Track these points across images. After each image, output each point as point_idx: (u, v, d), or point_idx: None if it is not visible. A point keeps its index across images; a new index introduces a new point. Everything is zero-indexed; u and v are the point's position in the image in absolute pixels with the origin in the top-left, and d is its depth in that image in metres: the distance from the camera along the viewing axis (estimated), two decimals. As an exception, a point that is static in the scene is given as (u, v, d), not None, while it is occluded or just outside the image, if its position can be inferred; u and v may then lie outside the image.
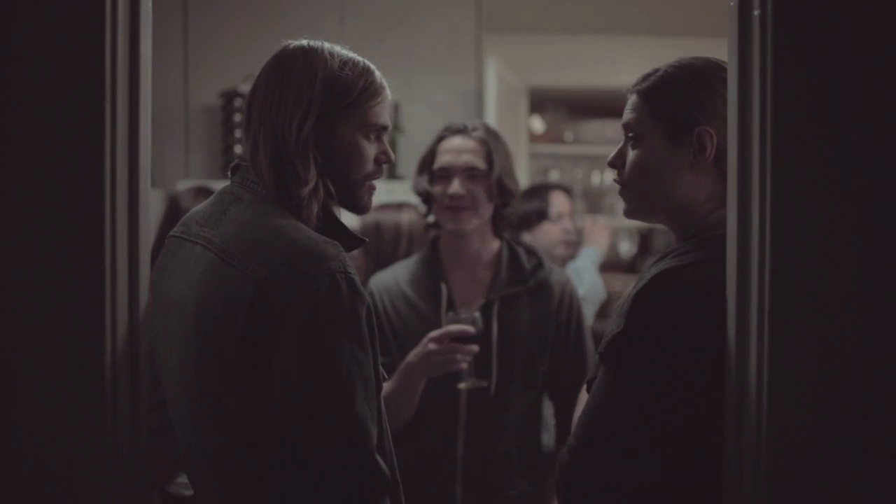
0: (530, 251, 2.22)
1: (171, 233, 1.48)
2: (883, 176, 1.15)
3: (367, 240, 1.47)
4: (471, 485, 2.08)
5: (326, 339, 1.27)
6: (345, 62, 1.42)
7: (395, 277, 2.20)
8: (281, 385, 1.28)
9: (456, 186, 2.08)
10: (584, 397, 1.49)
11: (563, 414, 2.18)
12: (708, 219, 1.38)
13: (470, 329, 1.94)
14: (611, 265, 4.95)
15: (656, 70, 1.41)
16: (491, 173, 2.09)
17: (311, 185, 1.38)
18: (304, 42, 1.44)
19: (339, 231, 1.43)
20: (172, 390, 1.43)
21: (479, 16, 3.82)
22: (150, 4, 1.33)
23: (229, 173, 1.47)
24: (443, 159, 2.12)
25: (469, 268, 2.18)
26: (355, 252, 2.73)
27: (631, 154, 1.41)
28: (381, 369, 1.41)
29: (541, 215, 3.19)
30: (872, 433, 1.15)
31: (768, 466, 1.15)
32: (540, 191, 3.30)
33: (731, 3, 1.22)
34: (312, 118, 1.38)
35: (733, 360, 1.21)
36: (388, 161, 1.49)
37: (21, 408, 1.22)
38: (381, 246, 2.65)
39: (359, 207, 1.48)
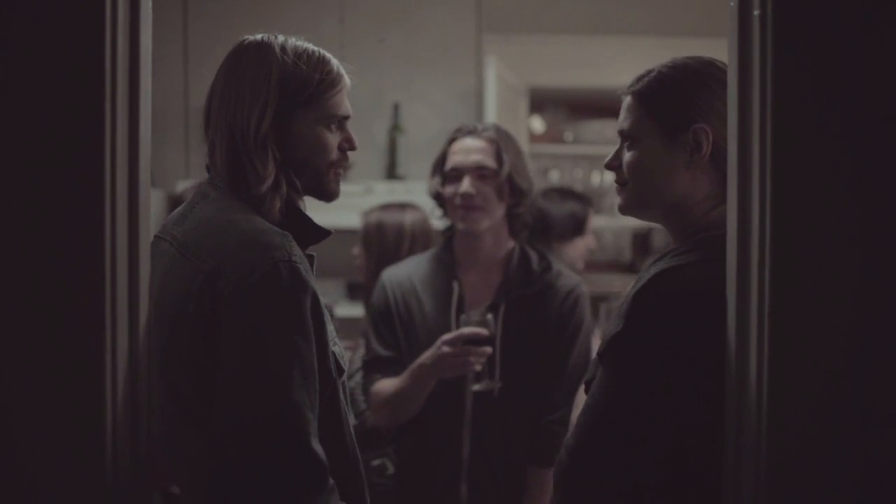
0: (542, 255, 2.23)
1: (156, 233, 1.49)
2: (883, 175, 1.15)
3: (332, 232, 1.47)
4: (476, 484, 2.09)
5: (263, 327, 1.28)
6: (299, 55, 1.41)
7: (408, 273, 2.21)
8: (222, 373, 1.29)
9: (466, 185, 2.09)
10: (581, 398, 1.49)
11: (538, 416, 2.14)
12: (706, 217, 1.38)
13: (483, 331, 1.95)
14: (611, 265, 4.96)
15: (650, 71, 1.41)
16: (501, 172, 2.10)
17: (269, 181, 1.38)
18: (259, 37, 1.44)
19: (304, 224, 1.43)
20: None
21: (479, 16, 3.82)
22: (150, 4, 1.33)
23: (206, 171, 1.49)
24: (453, 159, 2.14)
25: (482, 268, 2.19)
26: (358, 252, 2.75)
27: (627, 155, 1.41)
28: (338, 357, 1.42)
29: (579, 226, 2.97)
30: (872, 433, 1.15)
31: (768, 466, 1.15)
32: (580, 199, 3.08)
33: (731, 3, 1.22)
34: (270, 115, 1.38)
35: (733, 360, 1.21)
36: (353, 148, 1.48)
37: (20, 409, 1.22)
38: (384, 245, 2.65)
39: (327, 195, 1.48)
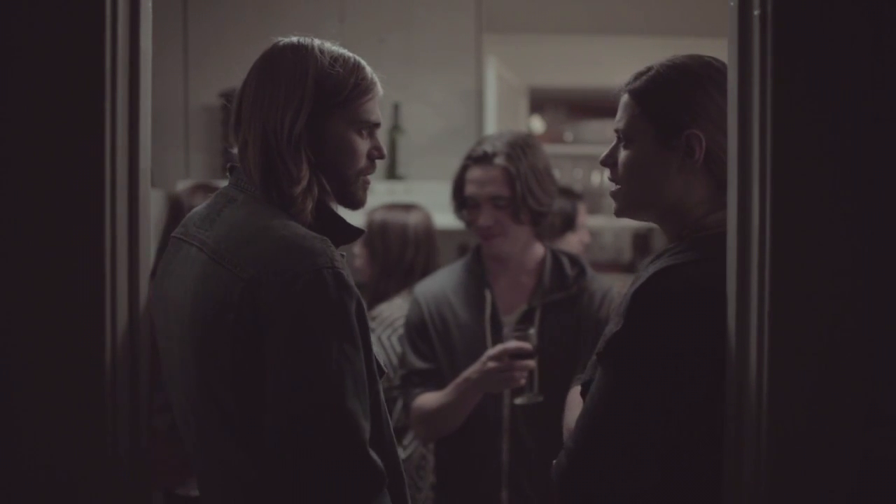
0: (574, 259, 2.26)
1: (173, 234, 1.48)
2: (883, 175, 1.15)
3: (364, 230, 1.46)
4: (516, 488, 2.11)
5: (314, 336, 1.27)
6: (335, 59, 1.41)
7: (441, 285, 2.24)
8: (272, 383, 1.28)
9: (484, 217, 2.14)
10: (574, 400, 1.49)
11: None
12: (704, 220, 1.38)
13: (527, 346, 1.98)
14: (611, 265, 4.96)
15: (649, 69, 1.41)
16: (516, 198, 2.13)
17: (303, 183, 1.37)
18: (294, 39, 1.43)
19: (337, 225, 1.43)
20: (175, 391, 1.43)
21: (479, 16, 3.82)
22: (150, 4, 1.33)
23: (227, 174, 1.47)
24: (469, 189, 2.18)
25: (513, 274, 2.22)
26: (360, 252, 2.75)
27: (622, 154, 1.41)
28: (378, 363, 1.41)
29: (568, 222, 3.11)
30: (872, 433, 1.15)
31: (768, 466, 1.15)
32: (568, 195, 3.21)
33: (731, 3, 1.22)
34: (304, 116, 1.37)
35: (733, 361, 1.21)
36: (381, 156, 1.48)
37: (21, 408, 1.22)
38: (388, 245, 2.64)
39: (354, 202, 1.47)
